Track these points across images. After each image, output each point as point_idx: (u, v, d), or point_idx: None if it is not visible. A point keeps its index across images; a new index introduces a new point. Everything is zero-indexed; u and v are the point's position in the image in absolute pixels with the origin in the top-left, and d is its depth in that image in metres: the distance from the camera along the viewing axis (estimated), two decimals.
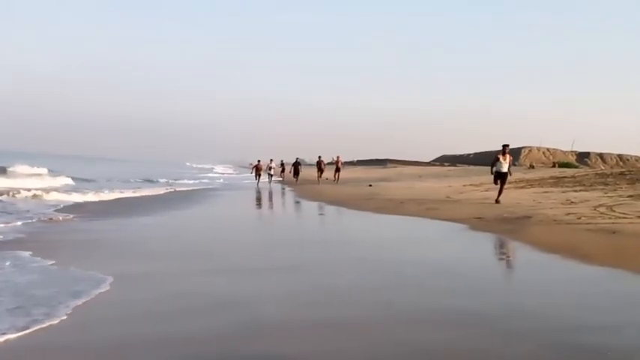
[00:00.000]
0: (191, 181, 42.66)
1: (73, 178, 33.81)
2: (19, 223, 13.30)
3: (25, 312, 5.75)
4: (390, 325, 5.70)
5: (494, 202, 18.02)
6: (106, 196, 23.54)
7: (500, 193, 18.49)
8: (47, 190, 22.53)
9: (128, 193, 25.50)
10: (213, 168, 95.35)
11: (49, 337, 5.18)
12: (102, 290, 6.83)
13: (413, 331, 5.49)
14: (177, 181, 40.45)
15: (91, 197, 22.40)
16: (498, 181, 18.83)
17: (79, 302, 6.22)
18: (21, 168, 42.43)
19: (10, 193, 20.42)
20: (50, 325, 5.41)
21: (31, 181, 29.89)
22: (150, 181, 39.03)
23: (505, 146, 18.73)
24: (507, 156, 18.75)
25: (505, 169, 18.66)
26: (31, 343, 4.99)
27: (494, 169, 18.94)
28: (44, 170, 43.96)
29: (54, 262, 8.53)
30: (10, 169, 40.64)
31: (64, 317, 5.68)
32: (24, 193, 20.75)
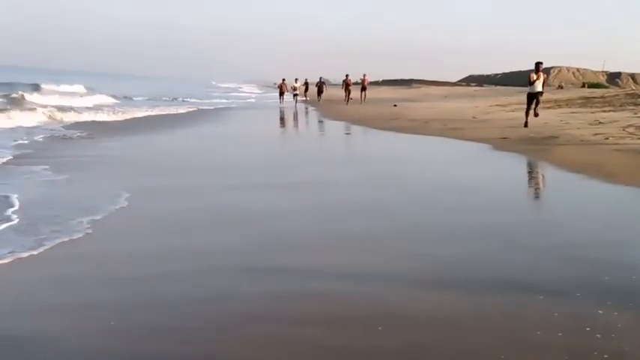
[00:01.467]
0: (223, 100, 43.70)
1: (113, 96, 34.40)
2: (38, 138, 13.57)
3: (37, 230, 5.74)
4: (403, 238, 5.82)
5: (522, 125, 17.50)
6: (140, 112, 24.15)
7: (527, 114, 16.80)
8: (79, 110, 22.65)
9: (171, 110, 26.78)
10: (240, 87, 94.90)
11: (70, 249, 5.36)
12: (120, 206, 6.90)
13: (427, 245, 5.60)
14: (209, 101, 41.45)
15: (120, 116, 22.61)
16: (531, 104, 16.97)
17: (97, 217, 6.27)
18: (56, 87, 42.20)
19: (38, 110, 20.35)
20: (70, 240, 5.52)
21: (69, 99, 29.60)
22: (184, 101, 39.39)
23: (538, 64, 16.95)
24: (541, 74, 16.96)
25: (538, 88, 16.86)
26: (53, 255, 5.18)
27: (528, 90, 17.31)
28: (81, 88, 44.09)
29: (67, 177, 8.74)
30: (43, 85, 40.12)
31: (83, 234, 5.76)
32: (40, 112, 20.30)
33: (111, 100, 32.65)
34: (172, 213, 6.85)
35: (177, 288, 4.38)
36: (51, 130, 16.17)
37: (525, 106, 17.17)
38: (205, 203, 7.33)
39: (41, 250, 5.13)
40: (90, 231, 5.75)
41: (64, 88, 42.22)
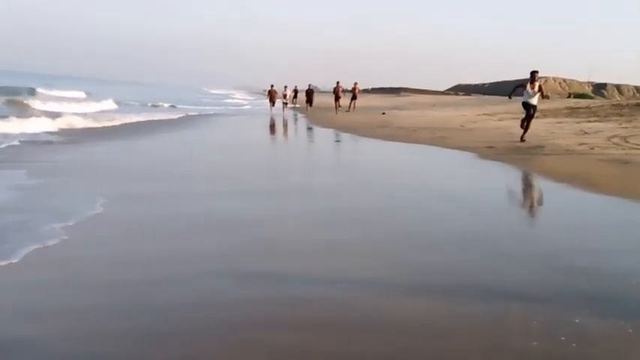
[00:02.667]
0: (218, 107, 43.87)
1: (116, 102, 34.49)
2: (15, 142, 13.43)
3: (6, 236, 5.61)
4: (389, 246, 5.83)
5: (509, 133, 17.53)
6: (138, 117, 24.18)
7: (526, 129, 15.58)
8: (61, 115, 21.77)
9: (170, 115, 27.45)
10: (231, 94, 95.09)
11: (42, 256, 5.29)
12: (94, 212, 6.75)
13: (412, 253, 5.61)
14: (202, 107, 41.79)
15: (120, 120, 22.43)
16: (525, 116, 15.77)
17: (70, 223, 6.11)
18: (53, 92, 41.60)
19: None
20: (44, 247, 5.45)
21: (73, 105, 28.79)
22: (176, 107, 39.32)
23: (534, 73, 15.60)
24: (536, 84, 15.58)
25: (534, 100, 15.54)
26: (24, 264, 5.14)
27: (523, 99, 15.80)
28: (81, 94, 43.66)
29: (42, 181, 8.64)
30: (39, 90, 39.42)
31: (57, 240, 5.69)
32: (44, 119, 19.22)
33: (114, 106, 32.76)
34: (151, 219, 6.80)
35: (161, 294, 4.36)
36: (46, 134, 16.04)
37: (522, 117, 15.90)
38: (186, 210, 7.28)
39: (12, 257, 4.98)
40: (65, 237, 5.62)
41: (67, 93, 41.98)
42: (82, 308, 4.05)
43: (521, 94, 15.97)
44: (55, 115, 20.87)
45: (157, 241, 5.85)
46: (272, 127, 25.33)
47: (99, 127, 19.79)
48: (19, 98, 28.26)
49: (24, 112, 21.69)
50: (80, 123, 20.17)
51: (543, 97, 16.03)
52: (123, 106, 34.58)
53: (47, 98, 32.62)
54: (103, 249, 5.51)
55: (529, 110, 15.57)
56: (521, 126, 15.80)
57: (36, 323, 3.82)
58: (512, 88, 16.77)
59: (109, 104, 33.10)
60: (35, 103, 27.11)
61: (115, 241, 5.80)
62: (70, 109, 26.34)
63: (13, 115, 18.80)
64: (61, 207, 6.96)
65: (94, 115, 23.52)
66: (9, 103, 25.39)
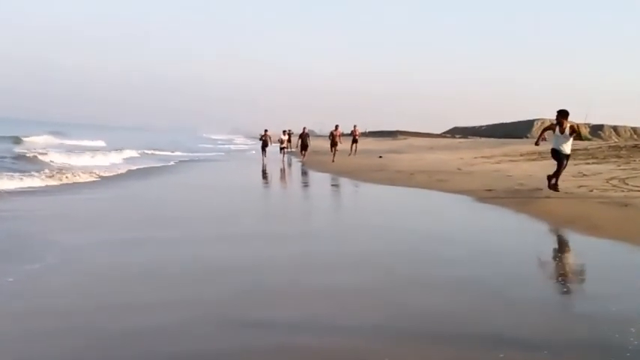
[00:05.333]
0: (221, 153, 43.66)
1: (138, 152, 34.61)
2: None
3: None
4: (384, 291, 5.72)
5: (506, 176, 17.28)
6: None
7: (557, 177, 12.93)
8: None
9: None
10: (233, 139, 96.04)
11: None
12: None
13: (412, 296, 5.51)
14: (209, 153, 41.72)
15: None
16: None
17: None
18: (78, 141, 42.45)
19: None
20: None
21: (97, 157, 27.39)
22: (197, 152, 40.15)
23: (562, 113, 12.76)
24: (567, 125, 12.75)
25: (567, 147, 12.91)
26: None
27: (552, 145, 13.19)
28: (101, 143, 44.01)
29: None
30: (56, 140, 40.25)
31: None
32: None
33: (138, 154, 33.00)
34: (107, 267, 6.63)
35: (138, 342, 4.19)
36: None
37: (554, 169, 13.06)
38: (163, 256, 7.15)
39: None
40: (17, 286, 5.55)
41: (86, 142, 42.82)
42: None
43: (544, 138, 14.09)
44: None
45: (109, 290, 5.69)
46: (264, 173, 24.87)
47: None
48: (39, 155, 25.78)
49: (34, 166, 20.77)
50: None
51: (581, 138, 13.57)
52: (141, 157, 32.53)
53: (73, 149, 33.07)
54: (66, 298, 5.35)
55: (561, 161, 12.87)
56: (549, 178, 13.13)
57: None
58: (539, 133, 14.18)
59: (132, 153, 32.97)
60: (57, 157, 25.68)
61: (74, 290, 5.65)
62: (102, 161, 25.72)
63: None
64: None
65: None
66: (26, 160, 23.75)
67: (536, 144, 14.48)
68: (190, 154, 37.83)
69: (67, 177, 16.88)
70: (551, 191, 12.76)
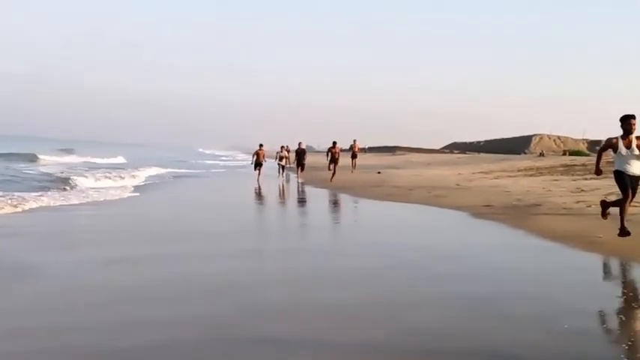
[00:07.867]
0: (223, 170, 42.96)
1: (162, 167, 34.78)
2: None
3: None
4: (383, 307, 5.72)
5: (504, 191, 17.25)
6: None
7: (623, 212, 9.19)
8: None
9: None
10: (236, 155, 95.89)
11: None
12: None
13: (412, 313, 5.50)
14: (213, 170, 41.43)
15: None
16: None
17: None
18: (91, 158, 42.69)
19: None
20: None
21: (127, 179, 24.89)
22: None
23: (629, 120, 9.08)
24: (633, 138, 9.10)
25: (636, 169, 9.15)
26: None
27: (616, 166, 9.43)
28: (121, 159, 44.24)
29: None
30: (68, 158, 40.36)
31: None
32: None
33: (162, 171, 33.04)
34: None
35: None
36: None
37: (621, 197, 9.45)
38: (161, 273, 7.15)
39: None
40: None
41: (107, 160, 42.84)
42: None
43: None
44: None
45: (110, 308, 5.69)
46: (259, 191, 24.32)
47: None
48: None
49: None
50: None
51: None
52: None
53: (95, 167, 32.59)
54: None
55: (634, 187, 9.26)
56: (605, 207, 10.11)
57: None
58: (597, 157, 10.38)
59: (157, 170, 32.84)
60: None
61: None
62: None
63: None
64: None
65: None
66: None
67: (597, 173, 10.32)
68: (192, 171, 37.88)
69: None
70: (620, 237, 8.99)
